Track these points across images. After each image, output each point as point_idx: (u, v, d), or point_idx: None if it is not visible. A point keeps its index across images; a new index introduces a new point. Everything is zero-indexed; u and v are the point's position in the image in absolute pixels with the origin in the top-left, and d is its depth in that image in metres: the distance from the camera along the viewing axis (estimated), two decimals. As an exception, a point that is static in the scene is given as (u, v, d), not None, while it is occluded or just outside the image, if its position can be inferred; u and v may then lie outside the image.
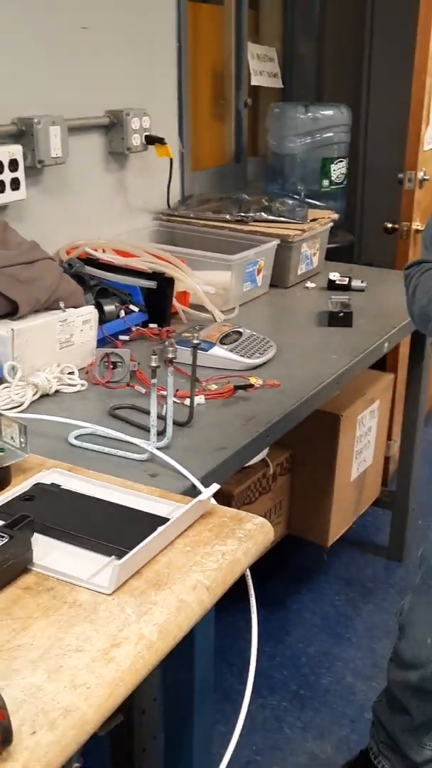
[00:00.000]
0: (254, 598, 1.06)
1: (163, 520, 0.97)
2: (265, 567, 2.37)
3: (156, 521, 0.97)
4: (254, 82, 2.96)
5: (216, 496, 1.07)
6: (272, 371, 1.67)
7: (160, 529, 0.93)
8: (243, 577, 1.03)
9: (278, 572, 2.57)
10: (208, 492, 1.05)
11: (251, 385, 1.57)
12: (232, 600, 1.04)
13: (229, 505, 2.17)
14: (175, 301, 1.92)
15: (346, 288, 2.24)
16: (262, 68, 2.99)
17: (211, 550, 0.97)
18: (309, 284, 2.35)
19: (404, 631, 1.56)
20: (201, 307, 1.97)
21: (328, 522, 2.43)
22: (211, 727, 1.20)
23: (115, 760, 1.24)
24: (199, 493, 1.09)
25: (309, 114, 2.80)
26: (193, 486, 1.19)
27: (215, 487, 1.06)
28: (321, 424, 2.28)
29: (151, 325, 1.82)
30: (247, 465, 2.21)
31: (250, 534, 1.02)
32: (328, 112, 2.82)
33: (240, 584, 1.06)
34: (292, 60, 3.24)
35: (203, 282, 1.99)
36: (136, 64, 2.30)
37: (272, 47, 3.11)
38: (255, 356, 1.70)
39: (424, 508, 2.80)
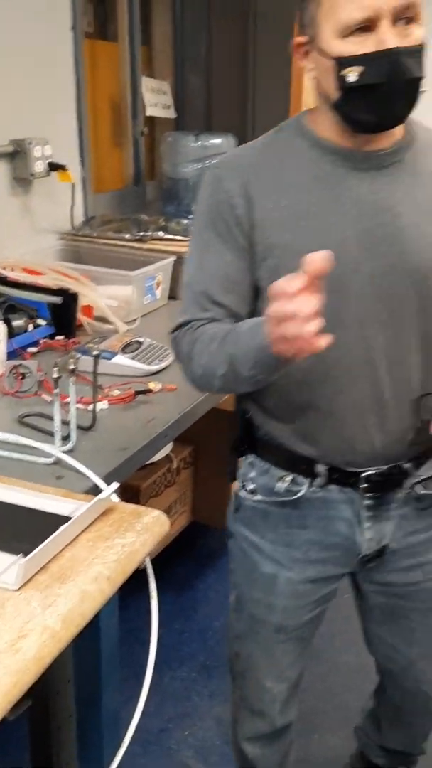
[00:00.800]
0: (154, 583, 1.07)
1: (66, 519, 0.97)
2: (174, 552, 2.39)
3: (60, 520, 0.97)
4: (149, 112, 2.96)
5: (124, 491, 1.08)
6: (170, 376, 1.68)
7: (62, 527, 0.93)
8: (158, 563, 1.03)
9: (186, 556, 2.59)
10: (108, 490, 1.05)
11: (151, 390, 1.58)
12: (145, 584, 1.06)
13: (137, 499, 2.18)
14: (80, 315, 1.91)
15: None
16: (156, 100, 3.00)
17: (112, 544, 0.97)
18: (203, 296, 2.37)
19: (246, 677, 1.38)
20: (105, 319, 1.96)
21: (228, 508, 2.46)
22: (119, 701, 1.20)
23: (33, 739, 1.23)
24: (102, 491, 1.09)
25: (199, 142, 2.82)
26: (97, 485, 1.19)
27: (115, 485, 1.07)
28: (218, 421, 2.30)
29: (58, 337, 1.80)
30: (153, 461, 2.22)
31: (148, 526, 1.02)
32: (217, 141, 2.85)
33: (154, 570, 1.07)
34: (184, 93, 3.26)
35: (106, 296, 1.99)
36: (38, 96, 2.27)
37: (165, 81, 3.11)
38: (154, 363, 1.71)
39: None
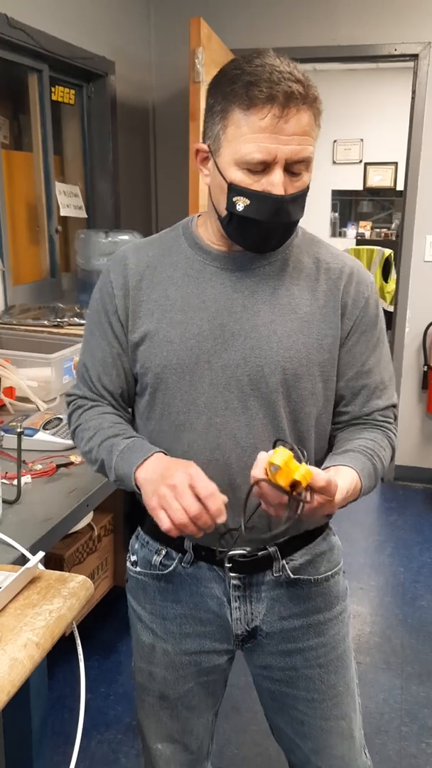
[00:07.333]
0: (81, 647, 1.03)
1: (-6, 589, 0.93)
2: (97, 617, 2.30)
3: (-12, 591, 0.93)
4: (63, 213, 3.01)
5: (48, 560, 1.04)
6: (89, 449, 1.66)
7: (-9, 597, 0.89)
8: (81, 629, 0.99)
9: (109, 620, 2.49)
10: (34, 560, 1.02)
11: (72, 463, 1.56)
12: (71, 652, 1.01)
13: (61, 567, 2.10)
14: (2, 396, 1.87)
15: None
16: (69, 202, 3.05)
17: (40, 610, 0.94)
18: (118, 375, 2.37)
19: (144, 743, 1.32)
20: (27, 399, 1.93)
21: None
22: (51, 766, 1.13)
23: None
24: (28, 561, 1.06)
25: (109, 238, 2.88)
26: (23, 555, 1.15)
27: (41, 554, 1.04)
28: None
29: (-19, 418, 1.76)
30: (75, 530, 2.16)
31: (74, 591, 1.00)
32: (124, 237, 2.92)
33: (79, 636, 1.03)
34: (94, 195, 3.33)
35: (27, 378, 1.96)
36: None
37: (76, 185, 3.18)
38: (74, 438, 1.69)
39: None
